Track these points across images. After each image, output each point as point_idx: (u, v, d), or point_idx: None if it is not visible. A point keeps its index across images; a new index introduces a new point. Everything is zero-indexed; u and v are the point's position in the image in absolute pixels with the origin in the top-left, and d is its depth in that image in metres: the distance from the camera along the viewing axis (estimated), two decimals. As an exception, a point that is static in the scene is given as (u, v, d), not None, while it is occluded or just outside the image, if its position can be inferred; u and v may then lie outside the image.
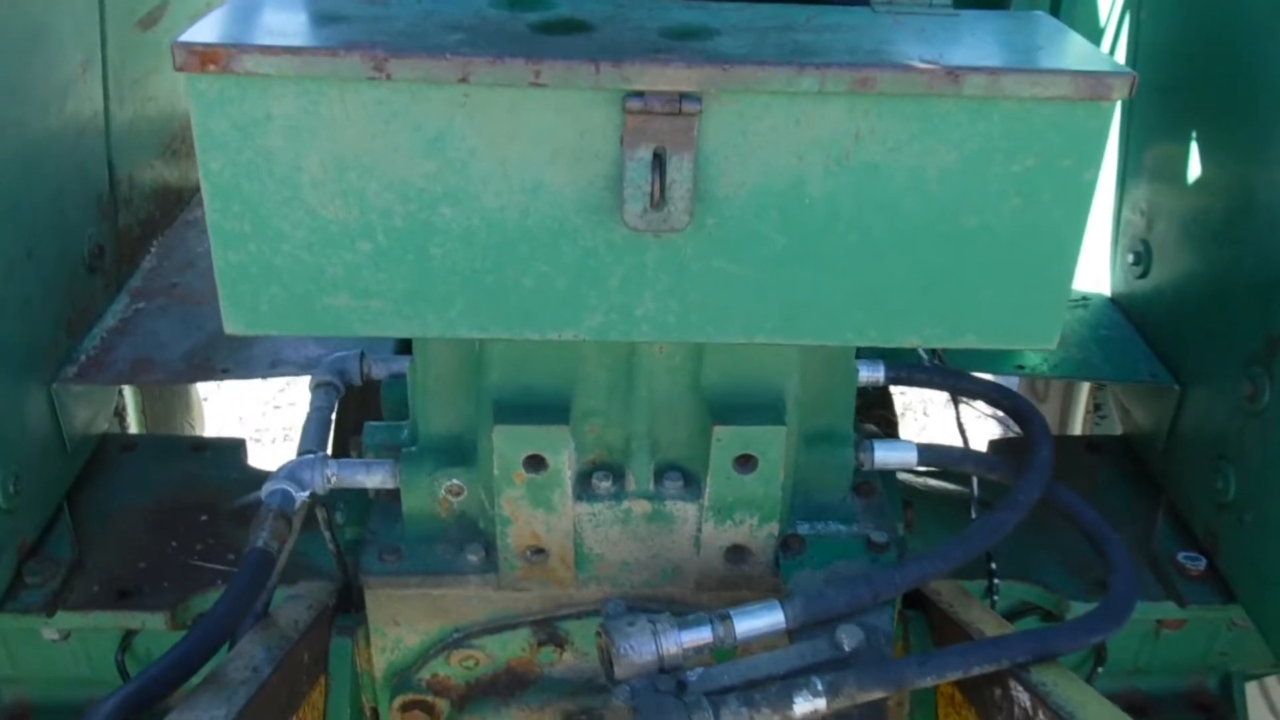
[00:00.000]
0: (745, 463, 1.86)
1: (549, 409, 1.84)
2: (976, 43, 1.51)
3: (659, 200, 1.44)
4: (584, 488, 1.92)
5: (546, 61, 1.38)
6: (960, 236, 1.51)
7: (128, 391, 3.24)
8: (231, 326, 1.55)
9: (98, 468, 2.53)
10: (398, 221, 1.48)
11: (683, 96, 1.40)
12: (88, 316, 2.49)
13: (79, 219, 2.45)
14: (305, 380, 2.23)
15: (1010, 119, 1.43)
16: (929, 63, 1.40)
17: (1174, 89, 2.45)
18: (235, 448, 2.63)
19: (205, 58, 1.37)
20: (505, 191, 1.47)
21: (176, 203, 2.95)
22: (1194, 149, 2.37)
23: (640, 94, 1.40)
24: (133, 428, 3.32)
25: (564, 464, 1.85)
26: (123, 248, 2.65)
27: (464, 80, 1.38)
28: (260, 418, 4.89)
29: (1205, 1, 2.35)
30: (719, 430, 1.83)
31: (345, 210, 1.47)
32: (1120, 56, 2.62)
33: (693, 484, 1.92)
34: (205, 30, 1.41)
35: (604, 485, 1.92)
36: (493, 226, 1.49)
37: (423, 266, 1.51)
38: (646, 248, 1.50)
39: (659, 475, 1.93)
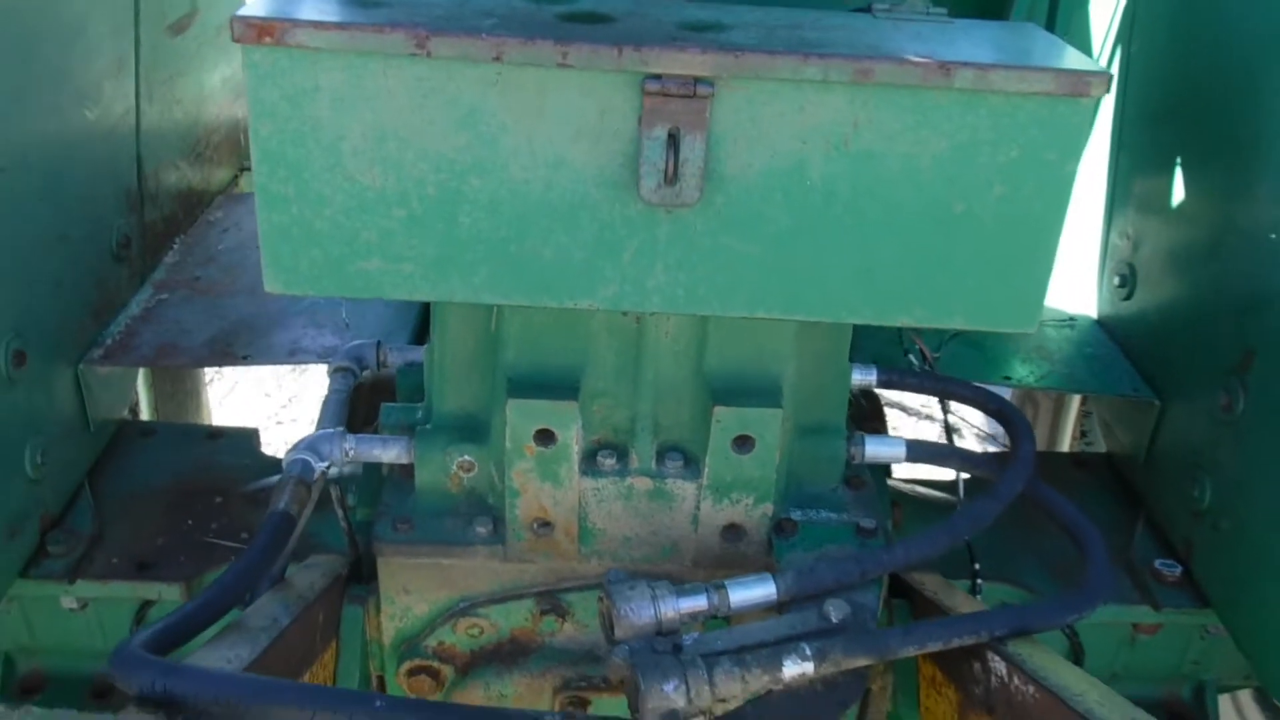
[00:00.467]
0: (743, 443, 2.00)
1: (560, 387, 1.98)
2: (968, 44, 1.67)
3: (672, 176, 1.59)
4: (590, 464, 2.05)
5: (573, 44, 1.53)
6: (949, 222, 1.65)
7: (142, 389, 3.36)
8: (271, 285, 1.69)
9: (117, 451, 2.65)
10: (430, 190, 1.63)
11: (697, 80, 1.55)
12: (114, 304, 2.63)
13: (108, 210, 2.59)
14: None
15: (997, 112, 1.58)
16: (923, 57, 1.55)
17: (1161, 119, 2.62)
18: (249, 436, 2.76)
19: (262, 30, 1.52)
20: (530, 165, 1.61)
21: (198, 204, 3.10)
22: (1179, 176, 2.53)
23: (658, 77, 1.55)
24: (144, 424, 3.44)
25: (572, 439, 1.98)
26: (148, 241, 2.80)
27: (497, 59, 1.53)
28: (263, 432, 4.99)
29: (1193, 36, 2.51)
30: (719, 411, 1.96)
31: (382, 178, 1.62)
32: (1111, 88, 2.78)
33: (692, 464, 2.06)
34: (259, 7, 1.56)
35: (608, 463, 2.05)
36: (517, 198, 1.63)
37: (451, 234, 1.65)
38: (659, 222, 1.65)
39: (661, 455, 2.07)
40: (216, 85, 3.19)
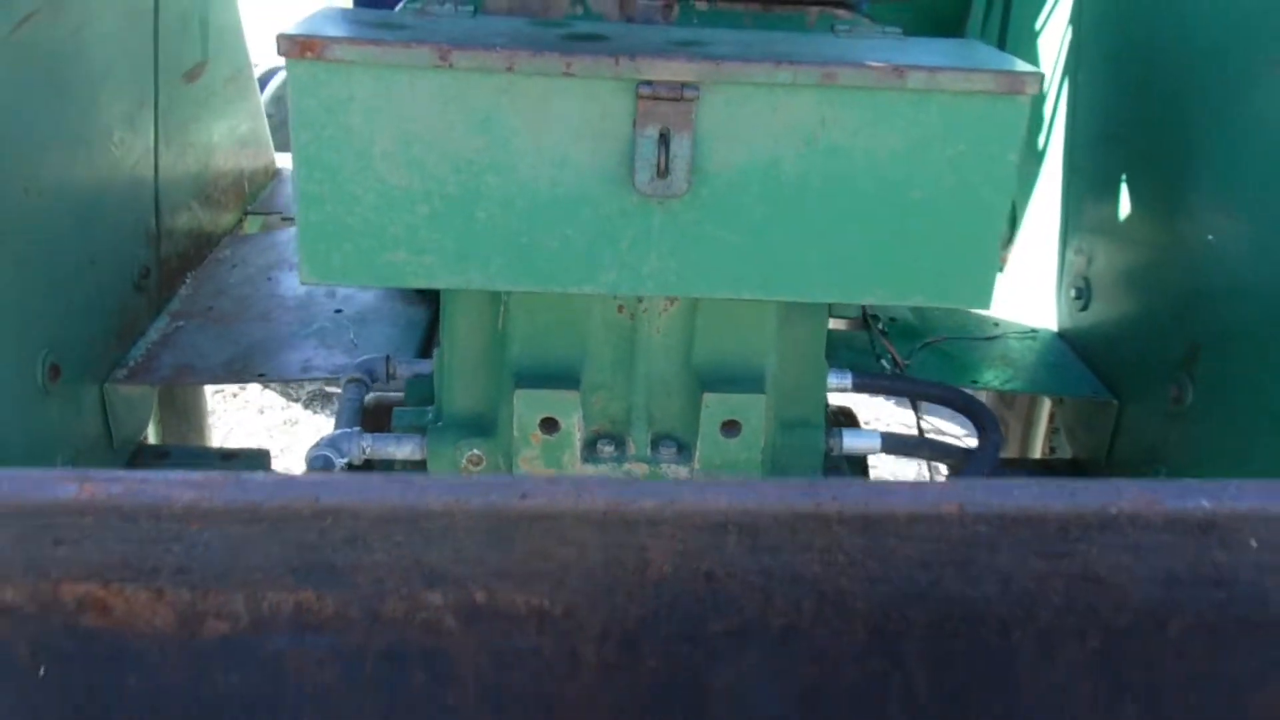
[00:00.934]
0: (730, 428, 2.25)
1: (562, 379, 2.23)
2: (920, 53, 1.95)
3: (664, 170, 1.86)
4: (590, 452, 2.29)
5: (576, 56, 1.81)
6: (907, 209, 1.93)
7: (150, 424, 3.58)
8: (307, 277, 1.94)
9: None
10: (450, 188, 1.89)
11: (684, 85, 1.83)
12: (134, 330, 2.87)
13: (130, 242, 2.85)
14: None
15: (945, 109, 1.86)
16: (880, 63, 1.84)
17: (1106, 143, 2.92)
18: (261, 456, 2.98)
19: (304, 46, 1.79)
20: (539, 164, 1.88)
21: (207, 244, 3.36)
22: (1124, 193, 2.82)
23: (650, 83, 1.82)
24: (150, 460, 3.66)
25: (574, 426, 2.22)
26: (164, 275, 3.05)
27: (510, 69, 1.81)
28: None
29: (1132, 68, 2.82)
30: (708, 397, 2.22)
31: (408, 178, 1.88)
32: (1061, 113, 3.09)
33: (684, 450, 2.30)
34: (301, 26, 1.83)
35: (607, 450, 2.29)
36: (527, 194, 1.90)
37: (469, 228, 1.91)
38: (652, 213, 1.91)
39: (655, 443, 2.32)
40: (224, 133, 3.46)
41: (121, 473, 0.85)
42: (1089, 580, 0.86)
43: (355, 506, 0.82)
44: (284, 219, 3.59)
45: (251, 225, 3.59)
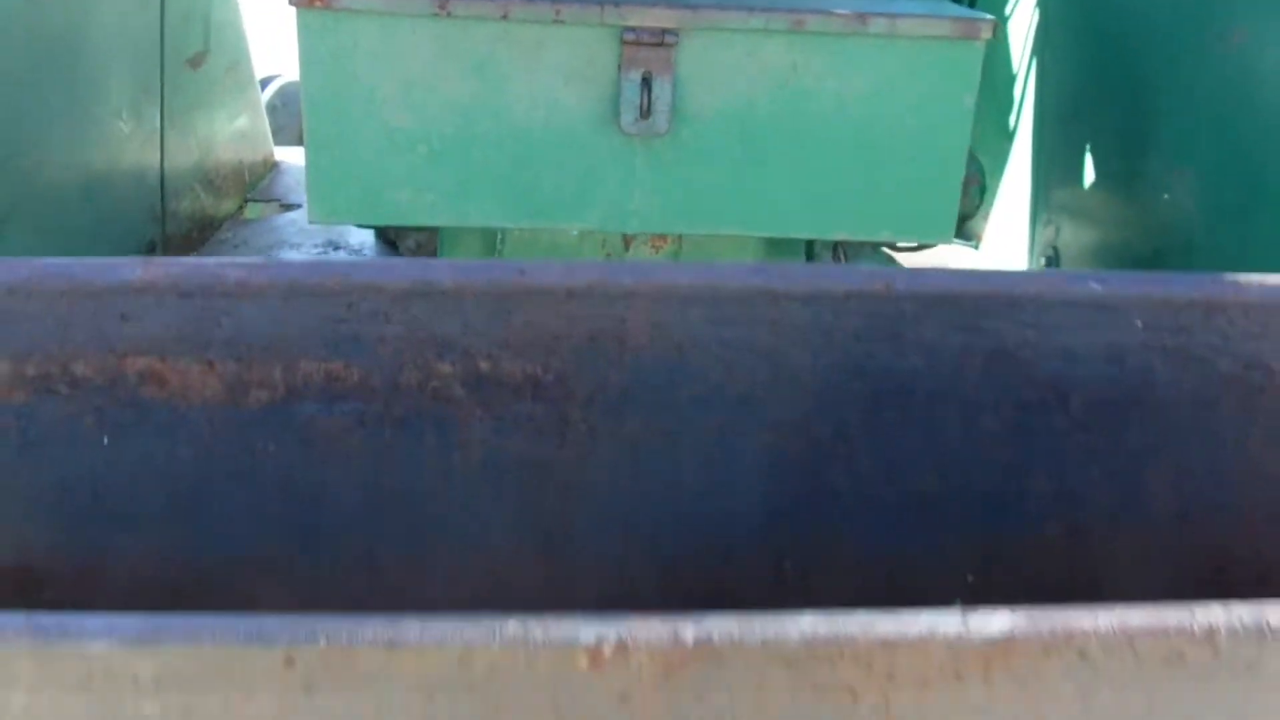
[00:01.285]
0: (712, 370, 2.41)
1: None
2: (887, 7, 2.13)
3: (646, 112, 2.03)
4: (579, 395, 2.45)
5: (565, 4, 1.99)
6: (873, 149, 2.10)
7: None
8: (314, 217, 2.11)
9: None
10: (448, 129, 2.06)
11: (664, 31, 2.01)
12: None
13: (138, 217, 3.02)
14: None
15: (906, 54, 2.04)
16: (846, 11, 2.02)
17: (1072, 118, 3.11)
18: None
19: (314, -5, 1.96)
20: (531, 107, 2.05)
21: (210, 226, 3.53)
22: (1090, 163, 3.01)
23: (633, 29, 2.00)
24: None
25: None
26: (168, 251, 3.21)
27: (504, 17, 1.98)
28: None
29: (1095, 49, 3.02)
30: None
31: (409, 121, 2.05)
32: (1030, 94, 3.28)
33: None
34: None
35: (596, 393, 2.45)
36: (520, 135, 2.07)
37: (466, 167, 2.09)
38: (635, 152, 2.09)
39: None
40: (225, 122, 3.64)
41: (180, 258, 1.01)
42: (1002, 355, 1.02)
43: (379, 283, 0.98)
44: (283, 206, 3.76)
45: (251, 212, 3.76)
